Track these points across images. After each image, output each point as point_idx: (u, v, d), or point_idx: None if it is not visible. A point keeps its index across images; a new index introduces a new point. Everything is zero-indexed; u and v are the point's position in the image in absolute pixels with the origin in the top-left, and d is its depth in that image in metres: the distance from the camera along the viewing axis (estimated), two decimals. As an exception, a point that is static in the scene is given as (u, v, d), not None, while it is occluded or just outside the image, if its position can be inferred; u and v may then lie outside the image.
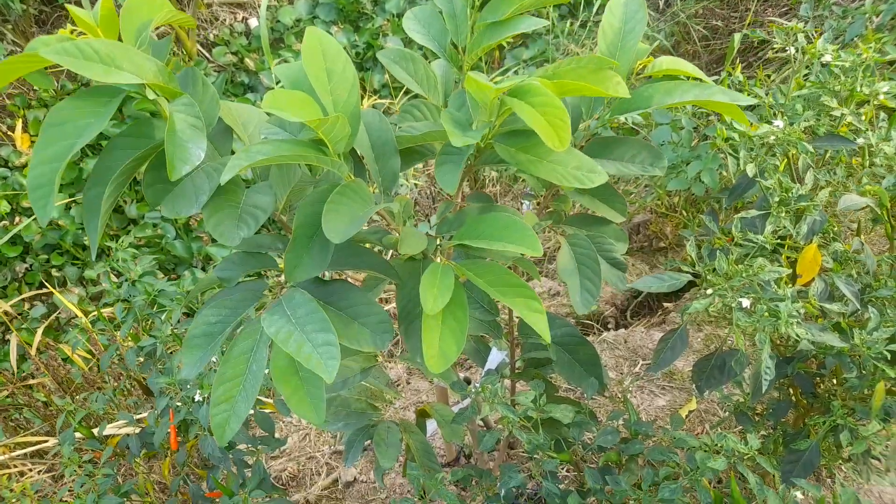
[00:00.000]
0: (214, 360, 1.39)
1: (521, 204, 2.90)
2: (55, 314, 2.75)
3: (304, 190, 1.02)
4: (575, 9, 4.15)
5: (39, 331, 2.21)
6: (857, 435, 1.11)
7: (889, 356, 1.09)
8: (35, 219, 2.89)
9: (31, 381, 2.20)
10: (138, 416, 1.68)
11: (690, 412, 1.89)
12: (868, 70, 1.27)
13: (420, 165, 3.18)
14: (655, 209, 2.51)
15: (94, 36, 0.91)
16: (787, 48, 1.41)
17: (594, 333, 2.40)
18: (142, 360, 1.68)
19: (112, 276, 2.38)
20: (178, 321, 1.58)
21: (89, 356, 2.11)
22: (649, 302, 2.54)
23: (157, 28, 0.97)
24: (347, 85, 0.89)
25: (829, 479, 1.74)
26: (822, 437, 1.22)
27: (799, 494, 1.11)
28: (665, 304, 2.45)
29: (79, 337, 2.06)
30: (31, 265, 2.93)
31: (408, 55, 1.07)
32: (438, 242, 0.99)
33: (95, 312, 2.03)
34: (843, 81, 1.24)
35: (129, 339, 1.72)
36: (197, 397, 1.34)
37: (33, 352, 2.16)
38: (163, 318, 1.66)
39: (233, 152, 0.84)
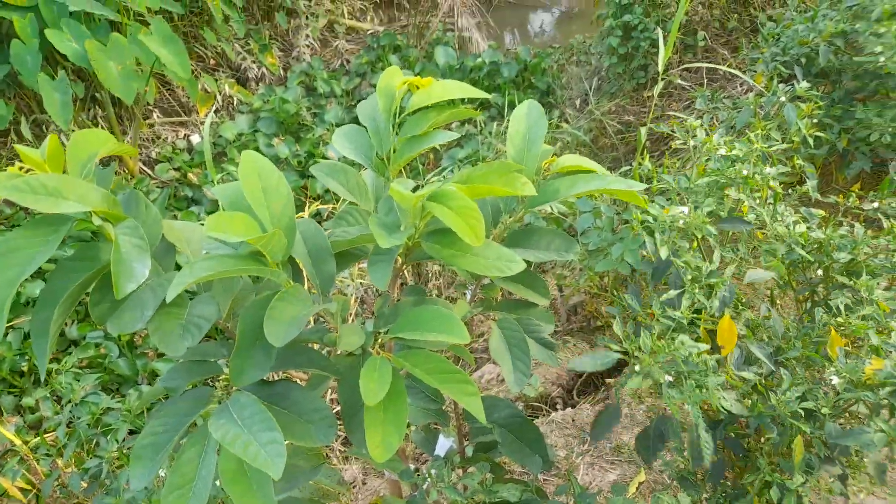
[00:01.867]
0: (163, 473, 1.38)
1: (465, 293, 2.99)
2: (-10, 446, 2.64)
3: (246, 297, 1.08)
4: (502, 111, 4.47)
5: (-26, 464, 2.11)
6: (786, 489, 1.19)
7: (803, 413, 1.19)
8: (-30, 347, 2.81)
9: (-35, 520, 2.08)
10: (82, 545, 1.61)
11: (640, 484, 1.94)
12: (758, 158, 1.45)
13: (364, 265, 3.26)
14: (589, 290, 2.64)
15: (42, 171, 0.98)
16: (687, 142, 1.59)
17: (543, 414, 2.45)
18: (86, 483, 1.64)
19: (52, 400, 2.32)
20: (125, 438, 1.57)
21: (29, 487, 2.02)
22: (594, 380, 2.62)
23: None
24: (282, 199, 0.98)
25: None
26: (756, 494, 1.29)
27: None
28: (608, 381, 2.53)
29: (17, 467, 1.98)
30: (-36, 396, 2.82)
31: (339, 168, 1.17)
32: (376, 337, 1.06)
33: (36, 440, 1.97)
34: (737, 170, 1.41)
35: (73, 463, 1.68)
36: (145, 515, 1.32)
37: (-33, 487, 2.06)
38: (108, 438, 1.64)
39: (177, 267, 0.90)
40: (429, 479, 1.16)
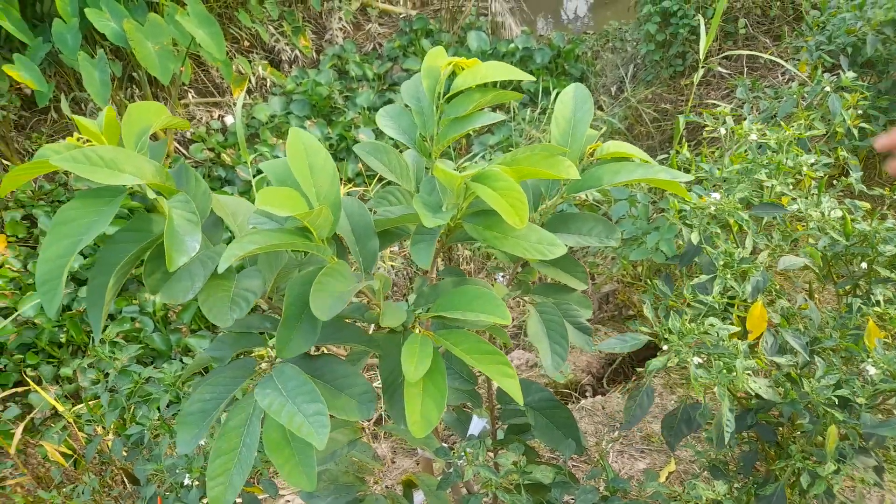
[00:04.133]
0: (203, 443, 1.42)
1: (496, 279, 3.00)
2: (30, 415, 2.72)
3: (290, 272, 1.10)
4: (535, 97, 4.43)
5: (19, 430, 2.19)
6: (816, 476, 1.18)
7: (837, 401, 1.18)
8: (12, 319, 2.91)
9: (9, 482, 2.16)
10: (121, 510, 1.67)
11: (671, 473, 1.94)
12: (791, 145, 1.43)
13: (396, 249, 3.28)
14: (622, 279, 2.63)
15: (98, 142, 1.00)
16: (717, 129, 1.57)
17: (573, 401, 2.46)
18: (126, 451, 1.69)
19: (95, 369, 2.39)
20: (166, 407, 1.61)
21: (71, 452, 2.09)
22: (624, 369, 2.61)
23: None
24: (328, 177, 0.99)
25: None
26: (785, 481, 1.28)
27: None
28: (639, 370, 2.52)
29: (60, 432, 2.05)
30: (4, 366, 2.91)
31: (381, 147, 1.18)
32: (416, 315, 1.07)
33: (80, 405, 2.03)
34: (770, 156, 1.39)
35: (114, 429, 1.73)
36: (186, 481, 1.36)
37: (12, 450, 2.14)
38: (149, 406, 1.69)
39: (230, 240, 0.92)
40: (464, 457, 1.17)
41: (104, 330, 3.00)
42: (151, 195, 0.95)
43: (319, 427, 0.85)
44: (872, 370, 1.21)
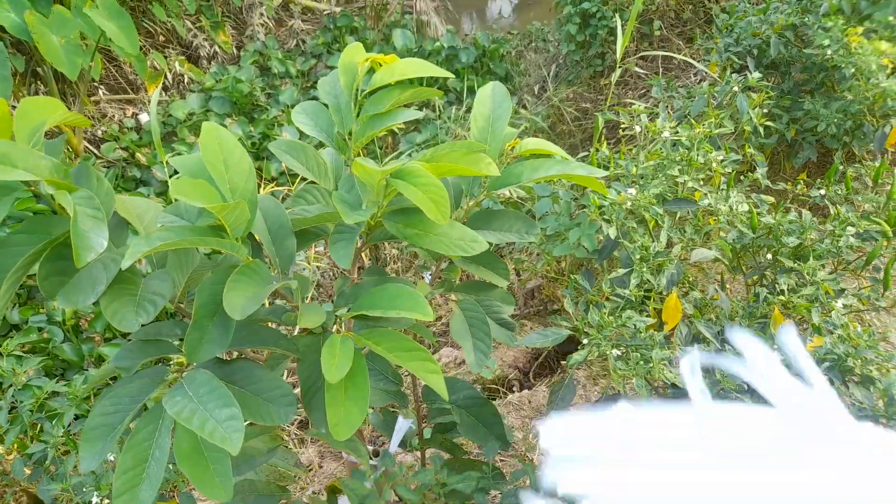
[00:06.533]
0: (111, 458, 1.35)
1: (423, 277, 2.99)
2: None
3: (201, 276, 1.06)
4: (461, 96, 4.46)
5: None
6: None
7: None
8: None
9: None
10: (26, 533, 1.56)
11: (595, 464, 1.98)
12: (702, 142, 1.48)
13: (321, 249, 3.23)
14: (546, 275, 2.68)
15: (-14, 138, 0.93)
16: (632, 127, 1.62)
17: (500, 396, 2.48)
18: (29, 470, 1.58)
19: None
20: (70, 423, 1.52)
21: (-33, 474, 1.94)
22: (549, 363, 2.66)
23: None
24: (244, 173, 0.95)
25: None
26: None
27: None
28: (563, 363, 2.57)
29: (-46, 454, 1.90)
30: None
31: (298, 145, 1.15)
32: (337, 315, 1.05)
33: (-25, 424, 1.88)
34: (682, 153, 1.44)
35: (15, 448, 1.62)
36: (94, 500, 1.28)
37: None
38: (53, 422, 1.58)
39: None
40: (381, 478, 1.16)
41: (4, 341, 2.81)
42: (48, 191, 0.88)
43: (233, 432, 0.82)
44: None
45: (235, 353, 1.14)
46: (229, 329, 0.90)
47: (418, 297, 0.98)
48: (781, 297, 1.36)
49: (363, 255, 3.02)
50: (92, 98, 4.32)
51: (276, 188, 3.63)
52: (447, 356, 2.61)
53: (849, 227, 1.42)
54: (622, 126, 1.80)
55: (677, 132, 1.50)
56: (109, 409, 0.89)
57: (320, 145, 1.19)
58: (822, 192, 1.64)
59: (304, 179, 3.73)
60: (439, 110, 4.09)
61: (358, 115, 1.14)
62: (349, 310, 1.02)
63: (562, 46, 4.02)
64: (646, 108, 1.92)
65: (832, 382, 1.21)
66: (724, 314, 1.40)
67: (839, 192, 1.61)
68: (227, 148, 0.95)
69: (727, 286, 2.15)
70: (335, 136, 1.16)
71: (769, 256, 1.46)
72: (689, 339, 1.28)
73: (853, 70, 2.33)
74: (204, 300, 0.90)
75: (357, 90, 1.13)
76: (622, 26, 2.93)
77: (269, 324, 1.13)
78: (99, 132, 4.20)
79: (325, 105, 1.16)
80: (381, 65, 1.14)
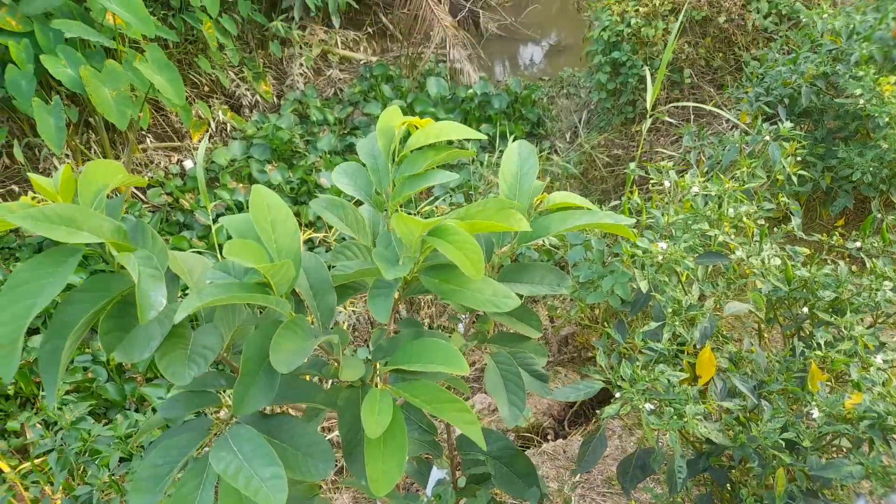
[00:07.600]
0: None
1: (457, 325, 3.01)
2: (-28, 473, 2.60)
3: (246, 330, 1.11)
4: (493, 140, 4.54)
5: (-42, 491, 2.08)
6: (768, 520, 1.22)
7: (784, 444, 1.22)
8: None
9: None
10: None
11: (631, 517, 1.95)
12: (731, 197, 1.50)
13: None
14: (580, 321, 2.68)
15: (54, 200, 1.00)
16: (662, 182, 1.64)
17: (534, 445, 2.46)
18: (75, 511, 1.63)
19: (42, 426, 2.30)
20: (116, 466, 1.56)
21: (14, 514, 2.00)
22: (584, 411, 2.64)
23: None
24: (290, 233, 1.01)
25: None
26: (742, 526, 1.31)
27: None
28: (598, 412, 2.55)
29: (3, 494, 1.96)
30: (-53, 420, 2.78)
31: (337, 202, 1.21)
32: (375, 368, 1.08)
33: (26, 465, 1.95)
34: (712, 207, 1.46)
35: (63, 489, 1.67)
36: (138, 544, 1.31)
37: (-48, 514, 2.03)
38: (97, 464, 1.64)
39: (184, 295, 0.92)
40: (424, 510, 1.17)
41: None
42: (114, 253, 0.95)
43: (277, 491, 0.85)
44: (816, 412, 1.26)
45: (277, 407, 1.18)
46: (275, 382, 0.94)
47: (454, 351, 1.01)
48: (818, 353, 1.35)
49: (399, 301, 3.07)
50: (140, 145, 4.51)
51: (313, 234, 3.72)
52: (480, 402, 2.61)
53: (885, 282, 1.41)
54: (651, 181, 1.82)
55: (706, 187, 1.53)
56: (158, 462, 0.94)
57: (358, 203, 1.24)
58: (859, 244, 1.64)
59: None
60: (472, 157, 4.17)
61: (395, 176, 1.19)
62: (387, 363, 1.06)
63: (593, 94, 4.08)
64: (678, 153, 1.95)
65: (872, 442, 1.19)
66: (760, 368, 1.39)
67: (875, 244, 1.60)
68: (275, 209, 1.01)
69: (766, 335, 2.13)
70: (373, 194, 1.21)
71: (805, 310, 1.45)
72: (725, 394, 1.28)
73: (887, 119, 2.33)
74: (250, 354, 0.94)
75: (394, 152, 1.19)
76: (652, 76, 2.97)
77: (310, 376, 1.17)
78: (146, 177, 4.38)
79: (364, 165, 1.22)
80: (416, 128, 1.20)
